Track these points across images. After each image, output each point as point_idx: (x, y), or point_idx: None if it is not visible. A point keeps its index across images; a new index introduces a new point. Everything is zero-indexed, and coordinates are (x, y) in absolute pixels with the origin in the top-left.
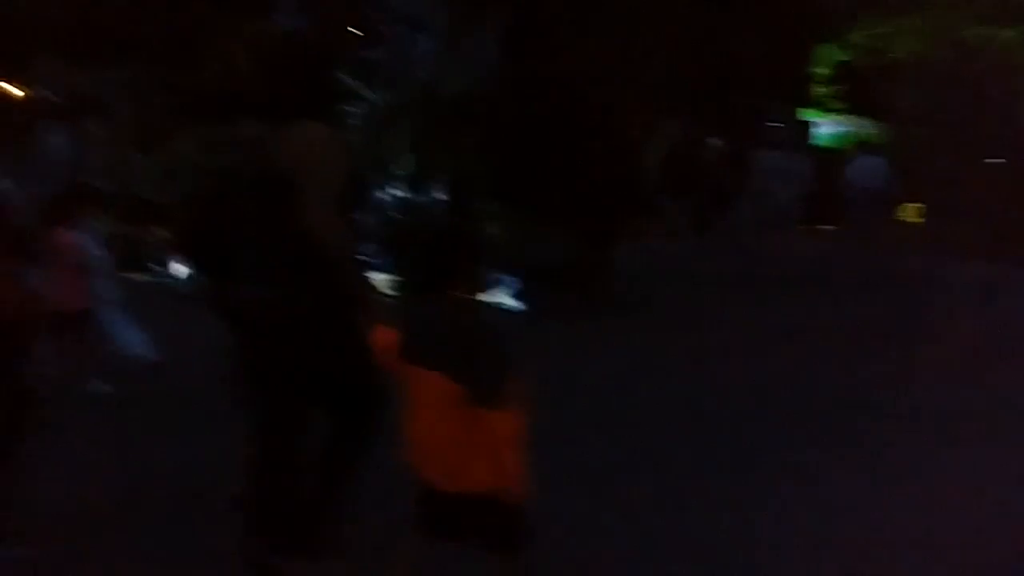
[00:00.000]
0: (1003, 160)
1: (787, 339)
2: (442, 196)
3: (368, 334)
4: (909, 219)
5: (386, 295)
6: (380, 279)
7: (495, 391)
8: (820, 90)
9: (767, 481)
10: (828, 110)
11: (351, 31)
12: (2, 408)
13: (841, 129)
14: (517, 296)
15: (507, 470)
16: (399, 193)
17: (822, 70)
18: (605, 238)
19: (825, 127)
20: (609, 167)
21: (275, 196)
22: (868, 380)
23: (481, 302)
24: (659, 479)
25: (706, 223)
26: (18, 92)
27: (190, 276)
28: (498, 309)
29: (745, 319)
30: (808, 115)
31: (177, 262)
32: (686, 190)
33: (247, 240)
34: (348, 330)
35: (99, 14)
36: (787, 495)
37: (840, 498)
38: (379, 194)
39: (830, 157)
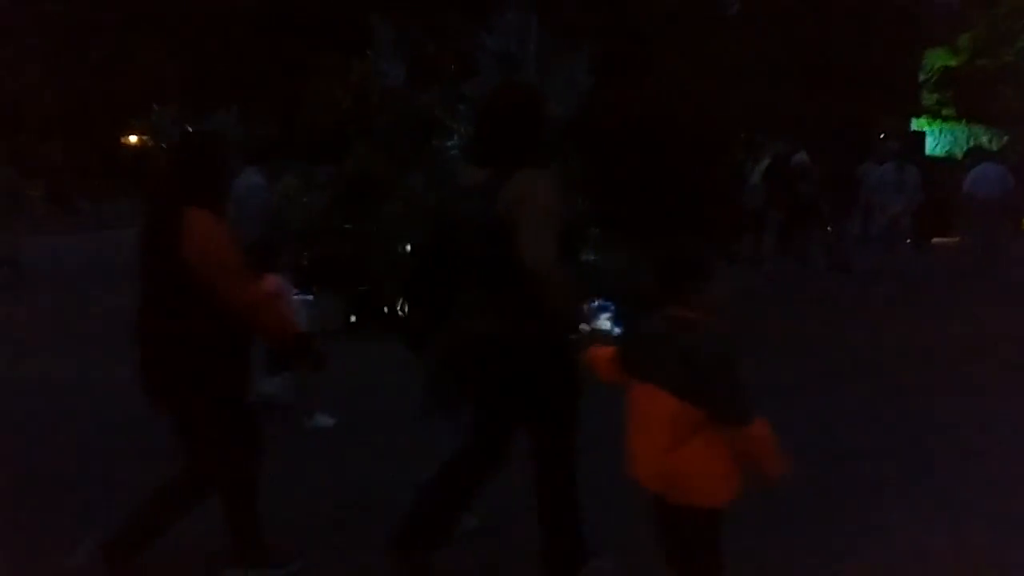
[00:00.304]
0: None
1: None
2: None
3: (577, 360)
4: None
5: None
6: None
7: (723, 409)
8: (929, 98)
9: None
10: (938, 118)
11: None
12: (243, 437)
13: (953, 137)
14: (615, 320)
15: (731, 485)
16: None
17: (930, 77)
18: (710, 259)
19: (936, 135)
20: (708, 187)
21: (501, 238)
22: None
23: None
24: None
25: (803, 241)
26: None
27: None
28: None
29: (865, 340)
30: (918, 124)
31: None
32: (783, 207)
33: (469, 280)
34: (563, 360)
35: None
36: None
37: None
38: None
39: (943, 167)
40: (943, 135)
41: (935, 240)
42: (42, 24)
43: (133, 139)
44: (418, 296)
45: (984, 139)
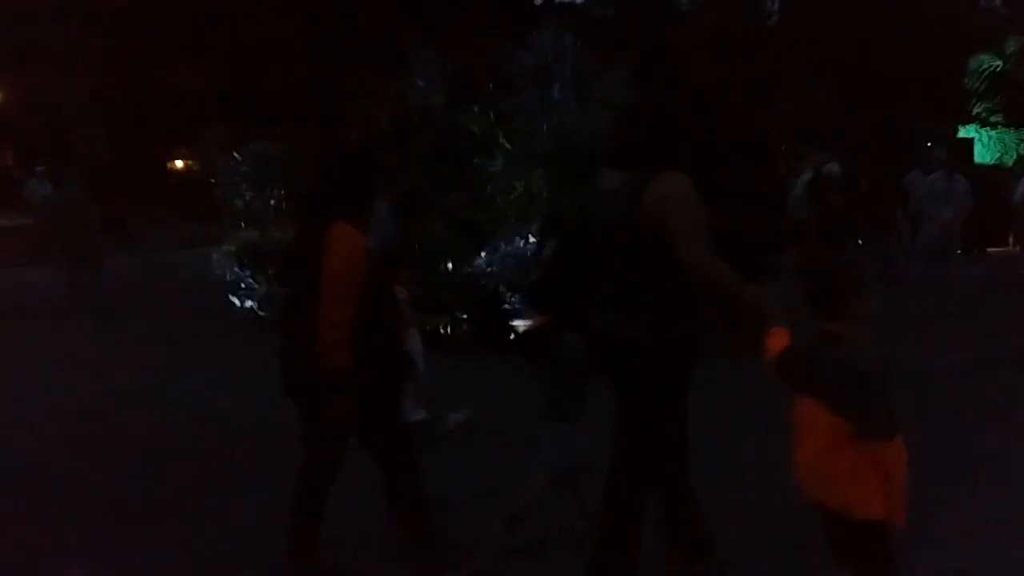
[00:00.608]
0: None
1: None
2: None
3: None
4: None
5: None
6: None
7: (868, 422)
8: (977, 104)
9: None
10: (987, 125)
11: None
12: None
13: (1003, 144)
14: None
15: (891, 499)
16: (538, 239)
17: (977, 83)
18: (751, 273)
19: (985, 143)
20: (751, 200)
21: (644, 239)
22: None
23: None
24: None
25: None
26: None
27: None
28: None
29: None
30: (966, 132)
31: None
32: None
33: (606, 281)
34: (692, 359)
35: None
36: None
37: None
38: (519, 241)
39: (993, 175)
40: (992, 142)
41: (988, 250)
42: (89, 51)
43: (179, 164)
44: (544, 301)
45: None
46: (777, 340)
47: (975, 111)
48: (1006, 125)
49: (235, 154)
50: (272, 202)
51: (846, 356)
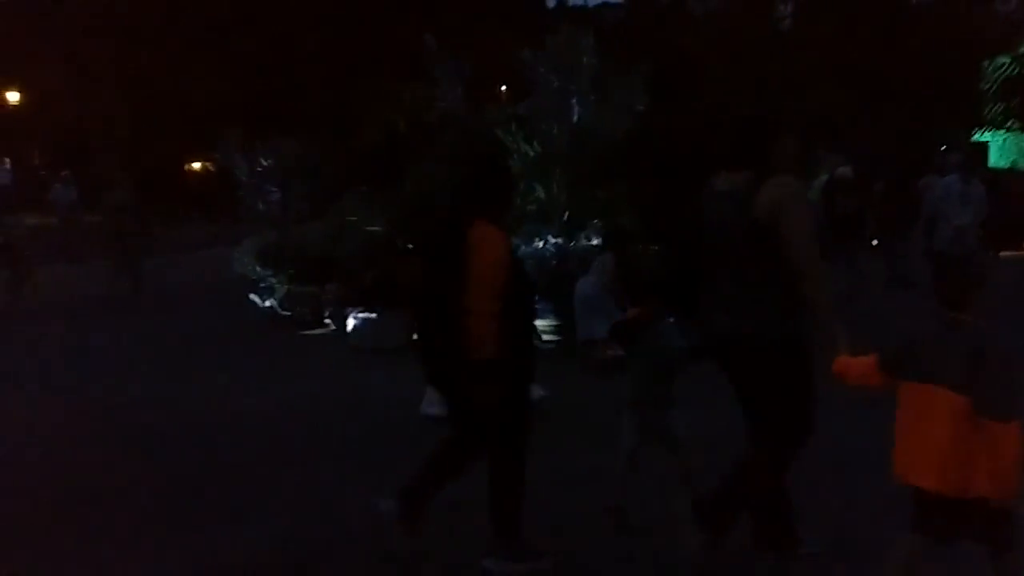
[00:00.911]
0: None
1: None
2: (598, 242)
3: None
4: None
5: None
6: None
7: (991, 400)
8: (992, 108)
9: None
10: (1002, 128)
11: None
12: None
13: (1018, 147)
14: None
15: (1010, 478)
16: (557, 240)
17: (991, 87)
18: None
19: (1000, 146)
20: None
21: (758, 239)
22: None
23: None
24: None
25: (847, 255)
26: None
27: (355, 329)
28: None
29: None
30: (981, 135)
31: (352, 316)
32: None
33: (722, 278)
34: (807, 356)
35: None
36: None
37: None
38: (538, 243)
39: (1008, 178)
40: (1007, 145)
41: (1003, 253)
42: (110, 54)
43: (196, 166)
44: (650, 295)
45: None
46: (843, 364)
47: (990, 114)
48: (1021, 128)
49: (258, 156)
50: (293, 202)
51: (987, 341)
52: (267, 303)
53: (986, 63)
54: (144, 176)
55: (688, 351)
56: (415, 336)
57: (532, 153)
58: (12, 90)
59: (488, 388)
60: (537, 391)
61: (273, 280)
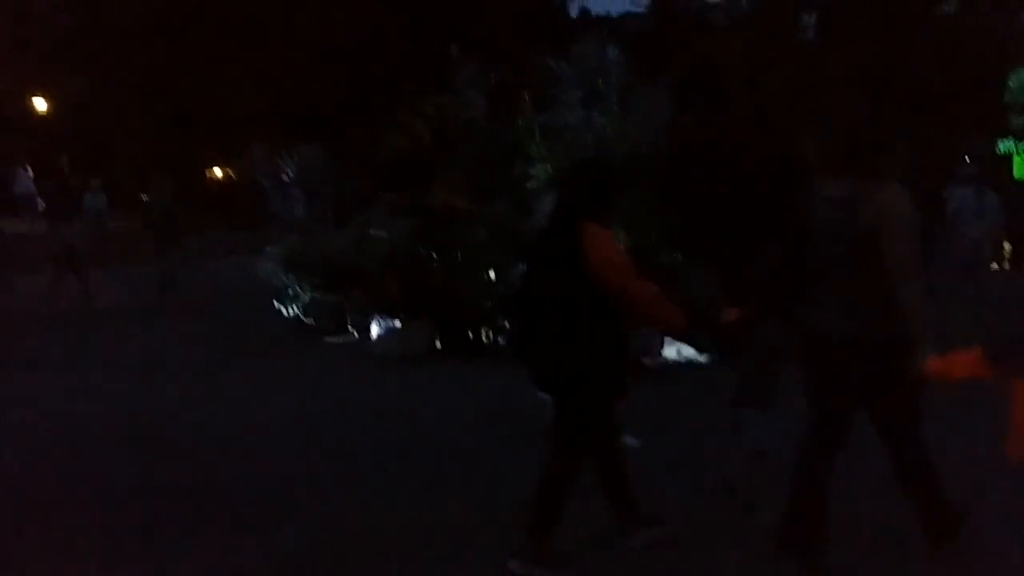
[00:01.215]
0: None
1: None
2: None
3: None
4: None
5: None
6: None
7: None
8: (1017, 119)
9: None
10: None
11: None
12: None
13: None
14: (700, 348)
15: None
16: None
17: (1017, 97)
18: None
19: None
20: (790, 213)
21: (866, 245)
22: None
23: None
24: None
25: None
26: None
27: (379, 337)
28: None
29: None
30: (1005, 147)
31: (375, 324)
32: None
33: (828, 281)
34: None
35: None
36: None
37: None
38: None
39: None
40: None
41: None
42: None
43: (219, 172)
44: (764, 299)
45: None
46: (942, 363)
47: (1015, 125)
48: None
49: (284, 164)
50: (318, 210)
51: None
52: (291, 310)
53: (1011, 74)
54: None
55: (789, 352)
56: (520, 341)
57: (554, 163)
58: (39, 97)
59: (598, 388)
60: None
61: (297, 288)
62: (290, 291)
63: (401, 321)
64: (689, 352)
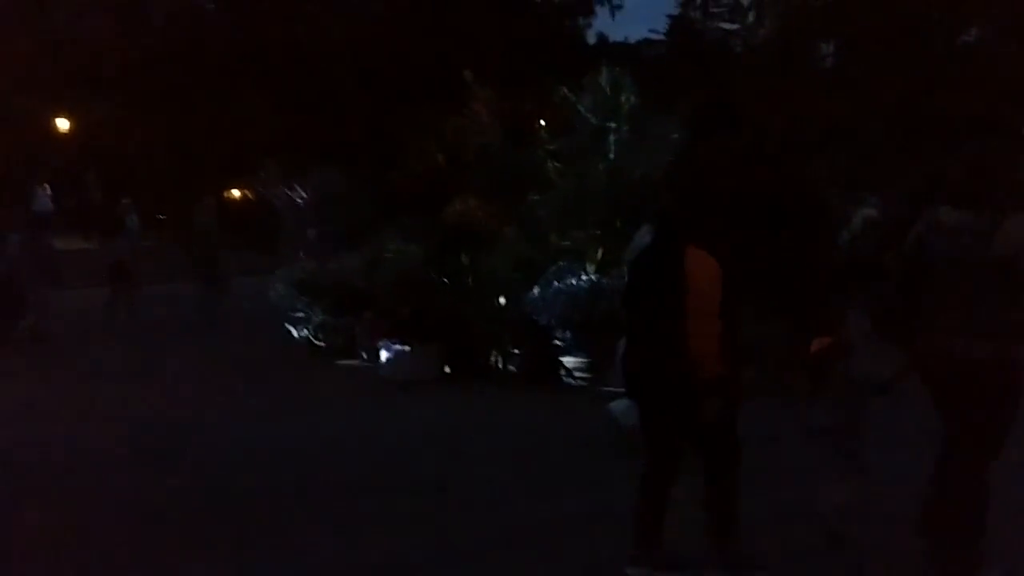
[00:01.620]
0: None
1: None
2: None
3: None
4: None
5: None
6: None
7: None
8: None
9: None
10: None
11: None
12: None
13: None
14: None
15: None
16: (591, 277)
17: None
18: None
19: None
20: (804, 244)
21: (996, 273)
22: None
23: None
24: None
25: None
26: None
27: (388, 361)
28: None
29: None
30: None
31: (385, 348)
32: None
33: (954, 307)
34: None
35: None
36: None
37: None
38: (571, 279)
39: None
40: None
41: None
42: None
43: (236, 194)
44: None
45: None
46: None
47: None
48: None
49: (298, 187)
50: (331, 233)
51: None
52: (302, 333)
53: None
54: (185, 204)
55: (882, 382)
56: (624, 358)
57: (568, 189)
58: (63, 118)
59: (711, 403)
60: None
61: (309, 310)
62: (301, 313)
63: (411, 345)
64: None
